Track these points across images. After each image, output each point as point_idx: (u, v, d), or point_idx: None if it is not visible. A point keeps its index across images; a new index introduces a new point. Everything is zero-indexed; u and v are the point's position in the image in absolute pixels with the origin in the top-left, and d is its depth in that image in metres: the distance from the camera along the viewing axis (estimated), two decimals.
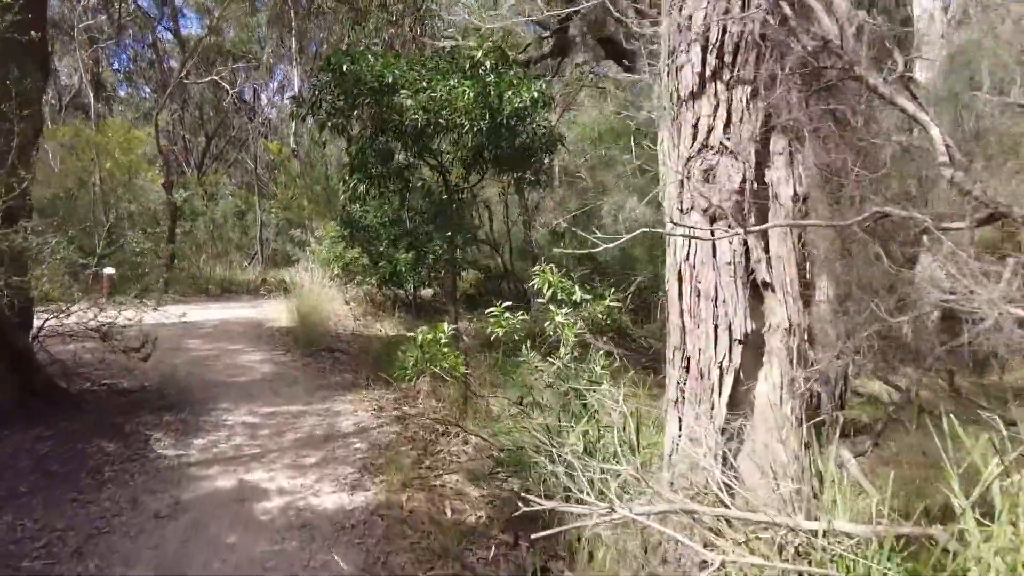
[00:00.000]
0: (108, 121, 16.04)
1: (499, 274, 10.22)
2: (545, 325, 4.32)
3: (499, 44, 5.47)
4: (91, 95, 16.72)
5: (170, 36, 21.08)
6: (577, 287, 4.48)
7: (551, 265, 4.65)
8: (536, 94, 5.33)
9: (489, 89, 5.28)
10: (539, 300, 5.16)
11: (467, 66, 5.39)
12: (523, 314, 4.45)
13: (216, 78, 15.08)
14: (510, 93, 5.31)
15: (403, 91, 5.21)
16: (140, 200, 17.20)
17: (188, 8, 21.78)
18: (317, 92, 5.68)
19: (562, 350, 4.04)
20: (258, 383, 5.95)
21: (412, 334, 4.43)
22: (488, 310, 4.47)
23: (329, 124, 5.61)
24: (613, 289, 4.46)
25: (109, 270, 12.70)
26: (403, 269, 8.06)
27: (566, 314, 4.26)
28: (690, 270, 2.38)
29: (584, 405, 3.88)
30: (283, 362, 6.82)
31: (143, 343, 5.16)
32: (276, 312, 9.49)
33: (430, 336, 4.01)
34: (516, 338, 4.38)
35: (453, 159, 6.38)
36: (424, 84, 5.35)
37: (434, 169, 6.38)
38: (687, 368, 2.42)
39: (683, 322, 2.41)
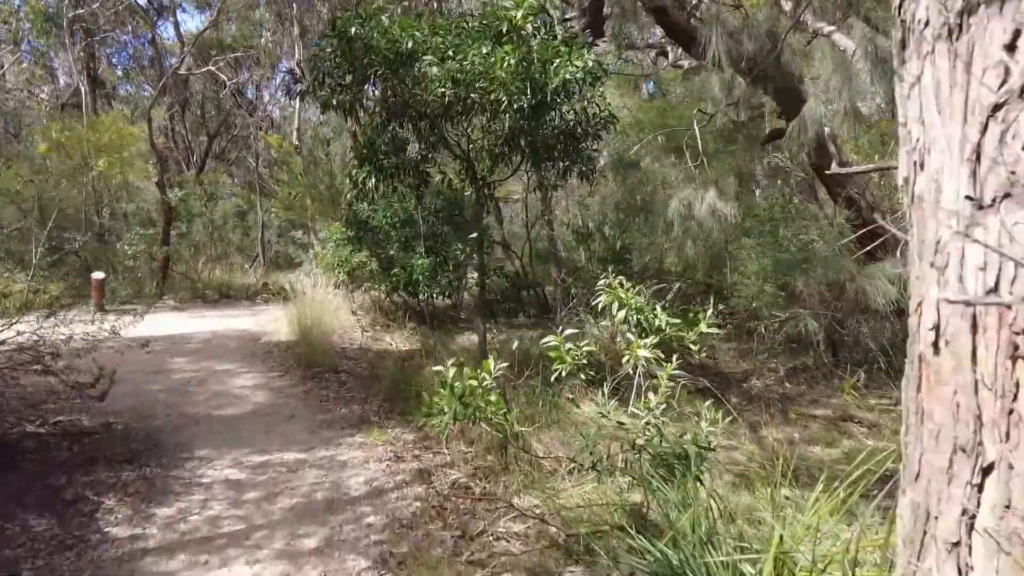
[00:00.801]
0: (100, 117, 14.97)
1: (523, 281, 9.09)
2: (624, 361, 3.24)
3: (542, 2, 4.36)
4: (83, 89, 15.70)
5: (170, 33, 20.15)
6: (660, 308, 3.39)
7: (620, 278, 3.57)
8: (590, 63, 4.24)
9: (533, 57, 4.19)
10: (604, 323, 4.10)
11: (504, 29, 4.30)
12: (588, 343, 3.36)
13: (213, 68, 13.99)
14: (557, 62, 4.22)
15: (426, 57, 4.11)
16: (136, 200, 16.20)
17: (188, 3, 20.80)
18: (319, 64, 4.59)
19: (652, 400, 2.95)
20: (249, 418, 4.87)
21: (440, 369, 3.35)
22: (553, 341, 3.36)
23: (334, 103, 4.53)
24: (709, 310, 3.35)
25: (98, 275, 11.68)
26: (420, 277, 6.96)
27: (650, 346, 3.17)
28: (996, 319, 1.29)
29: (684, 472, 2.80)
30: (280, 388, 5.74)
31: (98, 378, 4.07)
32: (275, 323, 8.43)
33: (472, 381, 2.92)
34: (583, 377, 3.29)
35: (481, 147, 5.29)
36: (451, 52, 4.26)
37: (459, 160, 5.28)
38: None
39: (980, 417, 1.32)
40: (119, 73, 22.59)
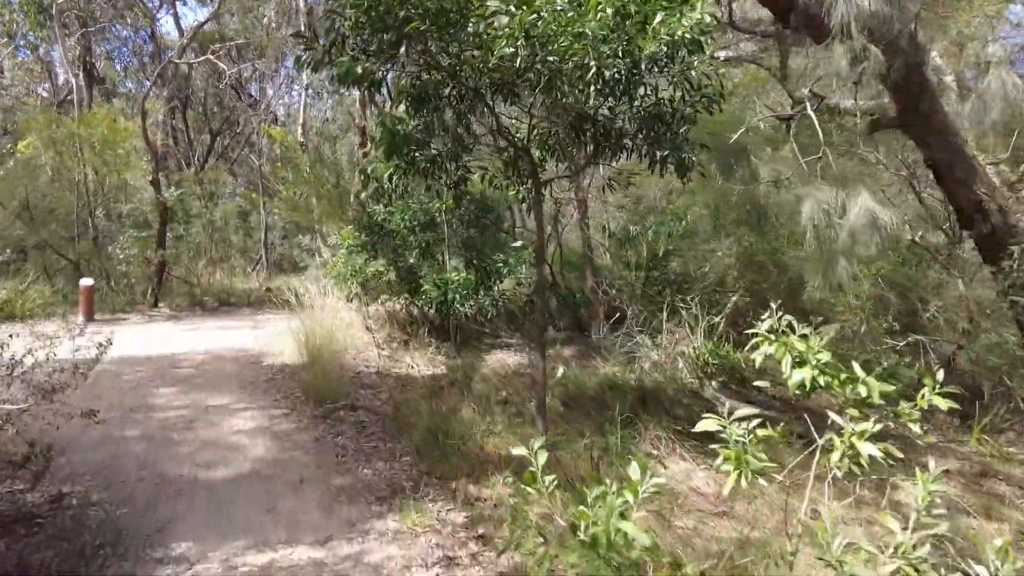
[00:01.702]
0: (92, 111, 13.75)
1: (571, 296, 7.84)
2: (834, 459, 2.06)
3: None
4: (75, 83, 14.48)
5: (171, 29, 18.97)
6: (860, 369, 2.20)
7: (790, 319, 2.39)
8: (708, 17, 3.07)
9: (630, 8, 3.01)
10: (759, 384, 2.94)
11: None
12: (787, 422, 2.18)
13: (211, 57, 12.76)
14: (661, 17, 3.05)
15: (491, 3, 2.94)
16: (133, 200, 14.99)
17: None
18: (336, 22, 3.42)
19: (902, 536, 1.78)
20: (246, 484, 3.69)
21: (523, 453, 2.19)
22: (712, 422, 2.17)
23: (359, 72, 3.34)
24: (939, 371, 2.16)
25: (87, 281, 10.47)
26: (456, 295, 5.77)
27: (870, 435, 1.99)
28: None
29: None
30: (286, 433, 4.56)
31: (28, 456, 2.89)
32: (279, 339, 7.24)
33: (627, 529, 1.73)
34: (765, 483, 2.11)
35: (537, 135, 4.13)
36: (515, 4, 3.08)
37: (508, 150, 4.11)
38: None
39: None
40: (119, 70, 21.42)
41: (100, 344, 3.37)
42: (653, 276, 8.50)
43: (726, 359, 6.14)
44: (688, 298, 7.24)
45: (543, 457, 2.21)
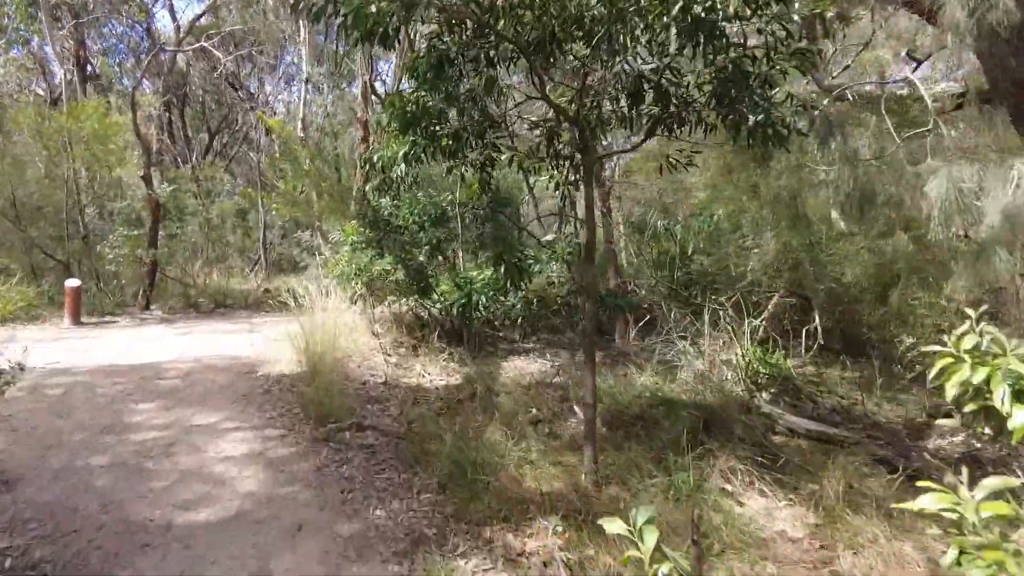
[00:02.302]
0: (83, 103, 12.98)
1: (612, 297, 7.01)
2: None
3: None
4: (64, 75, 13.72)
5: (167, 26, 18.25)
6: None
7: (993, 333, 1.67)
8: None
9: None
10: (946, 422, 2.22)
11: None
12: None
13: (206, 44, 12.02)
14: None
15: None
16: (127, 198, 14.21)
17: None
18: None
19: None
20: (231, 530, 2.95)
21: (625, 531, 1.48)
22: (947, 501, 1.43)
23: (372, 12, 2.61)
24: None
25: (73, 282, 9.73)
26: (482, 296, 5.02)
27: None
28: None
29: None
30: (282, 460, 3.82)
31: None
32: (277, 344, 6.50)
33: None
34: None
35: (588, 104, 3.40)
36: None
37: (562, 116, 3.39)
38: None
39: None
40: (115, 67, 20.65)
41: (11, 364, 2.63)
42: (680, 276, 7.78)
43: (777, 368, 5.42)
44: (724, 299, 6.53)
45: (652, 537, 1.49)
